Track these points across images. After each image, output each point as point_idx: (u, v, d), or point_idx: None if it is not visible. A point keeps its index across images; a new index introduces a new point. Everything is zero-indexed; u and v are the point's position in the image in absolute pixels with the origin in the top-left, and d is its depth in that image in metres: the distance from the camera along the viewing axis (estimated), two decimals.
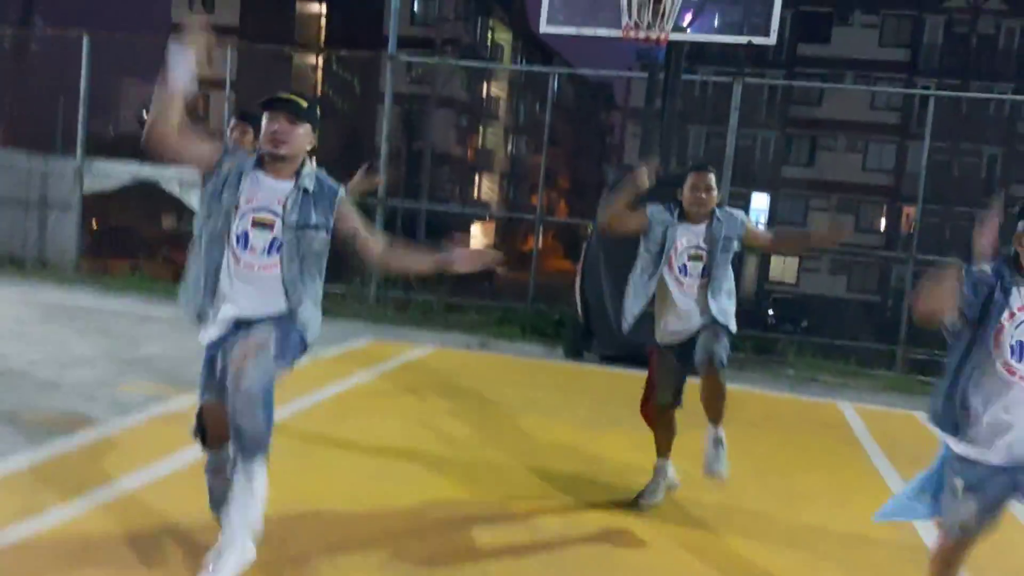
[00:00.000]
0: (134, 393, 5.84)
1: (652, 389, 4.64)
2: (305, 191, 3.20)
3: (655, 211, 4.46)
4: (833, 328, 15.28)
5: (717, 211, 4.42)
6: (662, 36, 7.26)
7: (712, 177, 4.41)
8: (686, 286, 4.37)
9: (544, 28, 7.86)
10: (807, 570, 3.96)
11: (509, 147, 51.63)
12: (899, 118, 35.88)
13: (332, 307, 6.97)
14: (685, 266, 4.37)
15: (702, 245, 4.37)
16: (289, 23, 44.46)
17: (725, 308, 4.42)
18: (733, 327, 4.40)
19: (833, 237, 4.97)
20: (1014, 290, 2.87)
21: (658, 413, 4.59)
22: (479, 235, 43.87)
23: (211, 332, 3.21)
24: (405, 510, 4.19)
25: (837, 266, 35.04)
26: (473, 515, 4.23)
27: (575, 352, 8.64)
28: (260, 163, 3.21)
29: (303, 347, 3.25)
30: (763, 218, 34.51)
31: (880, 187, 36.90)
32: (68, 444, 4.70)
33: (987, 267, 2.92)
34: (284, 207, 3.17)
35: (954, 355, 2.95)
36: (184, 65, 3.01)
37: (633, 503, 4.53)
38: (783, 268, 36.25)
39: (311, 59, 44.06)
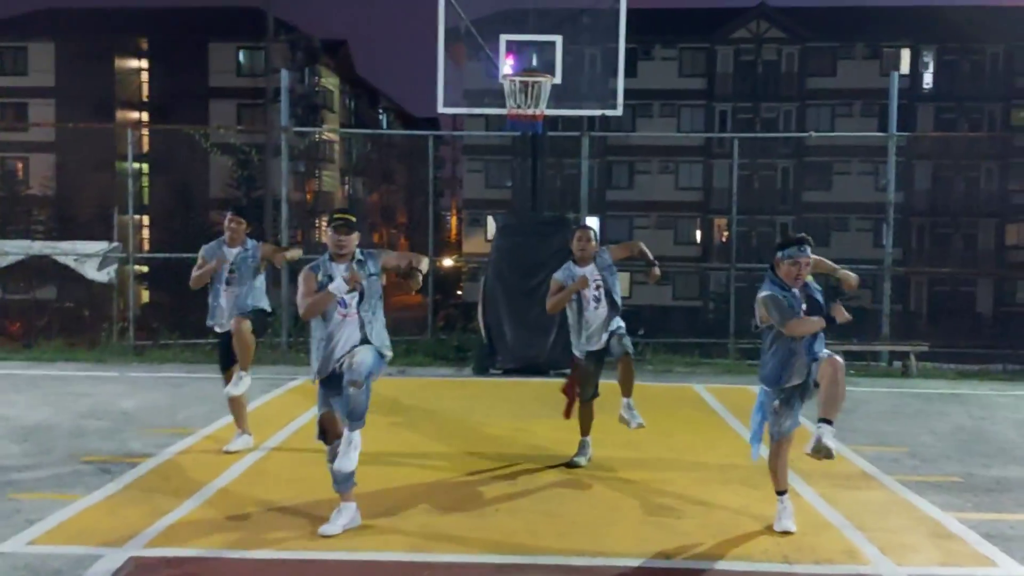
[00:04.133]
0: (158, 434, 7.17)
1: (577, 389, 6.45)
2: (359, 261, 4.97)
3: (564, 276, 6.25)
4: (666, 332, 17.75)
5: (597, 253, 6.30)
6: (538, 113, 9.31)
7: (592, 232, 6.33)
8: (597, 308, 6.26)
9: (441, 109, 9.73)
10: (696, 485, 5.95)
11: (346, 188, 52.78)
12: (703, 140, 40.05)
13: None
14: (596, 295, 6.27)
15: (598, 277, 6.28)
16: (109, 79, 43.76)
17: (620, 321, 6.36)
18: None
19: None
20: (792, 299, 4.97)
21: (584, 406, 6.45)
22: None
23: (322, 371, 4.92)
24: (413, 483, 5.89)
25: (662, 278, 38.56)
26: (463, 481, 5.99)
27: (482, 369, 10.47)
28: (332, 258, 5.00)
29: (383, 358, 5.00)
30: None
31: (692, 203, 40.93)
32: (144, 469, 6.08)
33: (786, 292, 5.02)
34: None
35: (767, 343, 5.06)
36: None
37: (568, 464, 6.37)
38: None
39: (133, 114, 43.77)
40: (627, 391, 6.31)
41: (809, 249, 5.00)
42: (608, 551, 4.66)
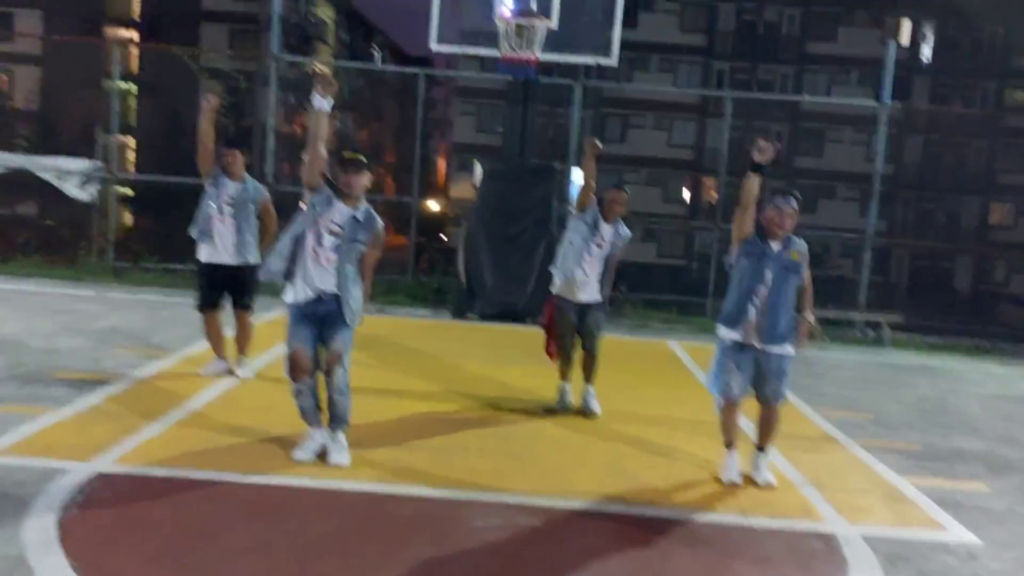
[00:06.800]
0: (130, 355, 7.18)
1: (554, 342, 6.55)
2: (356, 219, 4.87)
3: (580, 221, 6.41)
4: (647, 288, 17.83)
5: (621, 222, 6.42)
6: (532, 58, 9.20)
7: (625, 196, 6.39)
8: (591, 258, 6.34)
9: (434, 45, 9.60)
10: (663, 438, 6.04)
11: (336, 123, 52.16)
12: (698, 99, 39.78)
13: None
14: (599, 246, 6.34)
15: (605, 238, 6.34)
16: None
17: (603, 317, 6.53)
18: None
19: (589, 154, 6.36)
20: (767, 249, 5.03)
21: (562, 356, 6.56)
22: None
23: (298, 295, 4.85)
24: (383, 418, 5.94)
25: (648, 235, 38.64)
26: (433, 419, 6.05)
27: (460, 312, 10.50)
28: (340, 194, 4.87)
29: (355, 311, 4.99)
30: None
31: (683, 161, 40.79)
32: (116, 389, 6.09)
33: (762, 243, 5.09)
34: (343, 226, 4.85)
35: (733, 280, 5.19)
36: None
37: (547, 411, 6.46)
38: None
39: (123, 32, 42.85)
40: (589, 377, 6.49)
41: (795, 203, 5.07)
42: (568, 493, 4.74)
